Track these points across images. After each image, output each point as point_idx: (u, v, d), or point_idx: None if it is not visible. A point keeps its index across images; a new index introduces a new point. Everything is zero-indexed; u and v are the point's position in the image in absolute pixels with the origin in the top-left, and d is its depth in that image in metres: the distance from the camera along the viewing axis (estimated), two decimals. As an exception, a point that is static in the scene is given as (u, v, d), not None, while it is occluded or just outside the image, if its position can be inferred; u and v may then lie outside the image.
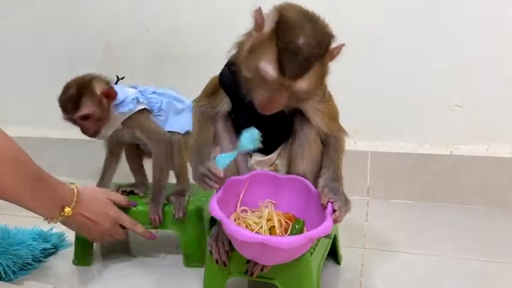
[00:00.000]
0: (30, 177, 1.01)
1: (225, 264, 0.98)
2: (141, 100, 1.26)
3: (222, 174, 0.91)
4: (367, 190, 1.81)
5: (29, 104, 2.24)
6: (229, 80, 0.98)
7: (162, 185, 1.26)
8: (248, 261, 0.95)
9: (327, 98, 1.01)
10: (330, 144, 1.00)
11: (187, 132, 1.28)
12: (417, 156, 1.76)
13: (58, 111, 1.20)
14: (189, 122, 1.18)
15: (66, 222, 1.11)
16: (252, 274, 0.94)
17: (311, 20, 0.85)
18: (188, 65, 1.95)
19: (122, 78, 1.30)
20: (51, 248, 1.34)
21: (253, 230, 0.91)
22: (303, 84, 0.84)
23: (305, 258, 0.94)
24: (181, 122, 1.30)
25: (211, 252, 0.99)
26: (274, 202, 0.99)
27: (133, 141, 1.32)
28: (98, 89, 1.21)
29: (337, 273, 1.21)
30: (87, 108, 1.18)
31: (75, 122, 1.21)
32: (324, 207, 0.91)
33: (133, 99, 1.24)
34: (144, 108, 1.26)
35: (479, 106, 1.69)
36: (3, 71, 2.28)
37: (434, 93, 1.72)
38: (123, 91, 1.25)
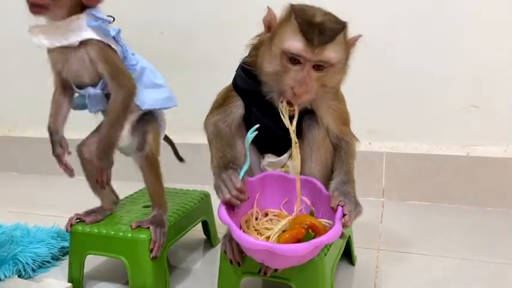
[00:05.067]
0: None
1: (239, 265, 0.98)
2: (119, 43, 1.07)
3: (238, 185, 0.90)
4: (382, 191, 1.80)
5: (44, 106, 2.28)
6: (245, 83, 0.99)
7: (111, 140, 1.05)
8: (262, 261, 0.96)
9: (339, 98, 1.01)
10: (342, 148, 1.01)
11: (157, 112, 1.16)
12: (433, 157, 1.74)
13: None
14: (165, 99, 1.15)
15: None
16: (265, 274, 0.95)
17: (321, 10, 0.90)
18: (202, 67, 1.97)
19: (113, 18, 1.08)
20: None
21: (262, 235, 0.92)
22: (331, 52, 0.87)
23: (319, 259, 0.95)
24: (153, 97, 1.12)
25: (225, 252, 1.00)
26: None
27: (76, 79, 1.06)
28: None
29: (351, 275, 1.21)
30: None
31: None
32: (334, 210, 0.90)
33: (114, 30, 1.05)
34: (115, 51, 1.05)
35: (495, 106, 1.67)
36: (17, 73, 2.33)
37: (450, 93, 1.71)
38: (106, 18, 1.05)
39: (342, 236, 1.06)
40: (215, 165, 0.97)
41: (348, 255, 1.23)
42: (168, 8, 1.99)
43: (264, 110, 0.96)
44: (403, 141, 1.80)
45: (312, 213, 0.95)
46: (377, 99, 1.78)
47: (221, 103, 1.05)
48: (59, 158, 1.11)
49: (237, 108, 1.03)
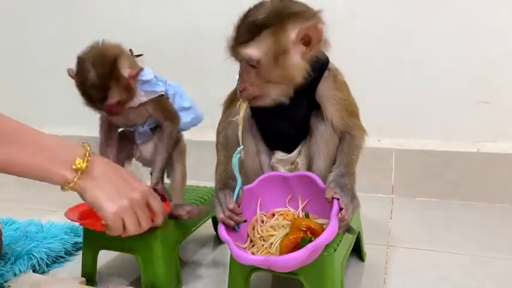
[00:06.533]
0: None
1: (249, 260, 0.99)
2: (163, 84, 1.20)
3: (231, 206, 0.92)
4: (392, 188, 1.81)
5: (62, 105, 2.31)
6: None
7: (163, 165, 1.18)
8: (272, 257, 0.96)
9: (340, 86, 0.99)
10: (345, 140, 0.99)
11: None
12: (443, 154, 1.74)
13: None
14: (192, 119, 1.24)
15: (82, 187, 0.85)
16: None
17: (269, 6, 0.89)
18: (210, 70, 1.97)
19: (140, 55, 1.18)
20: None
21: (266, 241, 0.93)
22: (251, 50, 0.87)
23: (329, 255, 0.95)
24: (182, 120, 1.22)
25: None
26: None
27: (128, 124, 1.20)
28: (125, 70, 1.07)
29: (360, 270, 1.21)
30: (116, 96, 1.06)
31: (100, 108, 1.10)
32: (329, 202, 0.89)
33: (161, 80, 1.17)
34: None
35: (506, 102, 1.66)
36: (37, 74, 2.36)
37: (460, 89, 1.70)
38: (146, 69, 1.15)
39: (351, 231, 1.07)
40: (218, 178, 1.01)
41: (357, 251, 1.24)
42: (177, 11, 2.00)
43: (265, 109, 0.96)
44: (413, 137, 1.80)
45: (306, 215, 0.95)
46: (386, 95, 1.77)
47: (228, 105, 1.07)
48: None
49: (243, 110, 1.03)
